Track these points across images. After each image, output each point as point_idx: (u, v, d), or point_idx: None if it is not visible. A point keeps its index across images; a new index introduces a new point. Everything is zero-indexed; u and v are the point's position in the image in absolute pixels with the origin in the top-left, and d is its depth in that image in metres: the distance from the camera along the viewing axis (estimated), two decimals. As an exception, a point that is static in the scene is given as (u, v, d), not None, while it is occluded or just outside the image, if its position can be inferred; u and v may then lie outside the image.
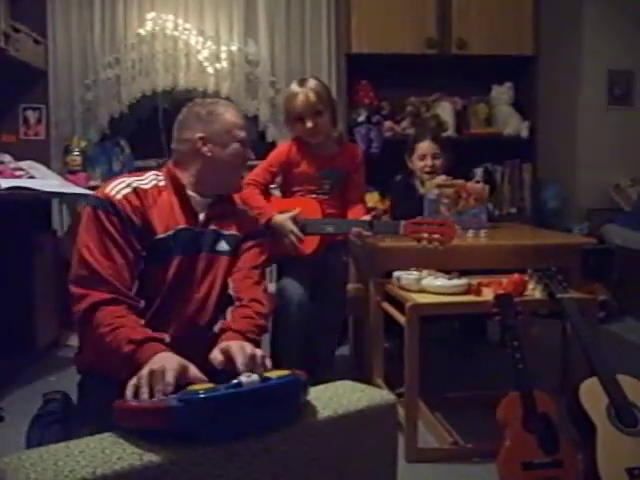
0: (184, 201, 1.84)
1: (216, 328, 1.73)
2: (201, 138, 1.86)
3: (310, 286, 2.75)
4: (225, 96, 4.39)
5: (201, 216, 1.86)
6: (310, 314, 2.71)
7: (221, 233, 1.88)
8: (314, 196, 2.89)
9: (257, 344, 1.68)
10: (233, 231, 1.91)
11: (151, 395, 1.34)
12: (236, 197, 2.01)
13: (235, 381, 1.25)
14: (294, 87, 2.88)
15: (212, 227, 1.87)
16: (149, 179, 1.84)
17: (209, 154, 1.86)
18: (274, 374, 1.31)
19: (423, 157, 3.37)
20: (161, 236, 1.76)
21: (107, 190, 1.74)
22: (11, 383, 3.13)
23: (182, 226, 1.80)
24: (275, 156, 2.98)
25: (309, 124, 2.83)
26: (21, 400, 2.91)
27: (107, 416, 1.40)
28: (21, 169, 3.59)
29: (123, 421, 1.26)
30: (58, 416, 1.74)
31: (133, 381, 1.38)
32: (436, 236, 2.49)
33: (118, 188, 1.75)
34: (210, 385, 1.28)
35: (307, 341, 2.76)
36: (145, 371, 1.39)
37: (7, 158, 3.70)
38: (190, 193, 1.86)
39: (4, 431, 2.62)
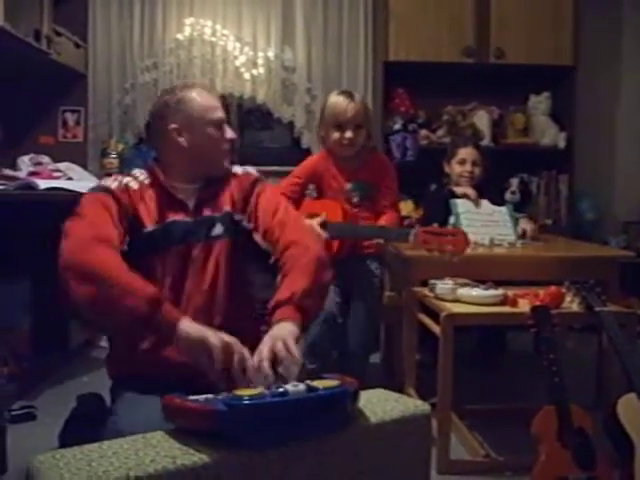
0: (168, 195, 1.82)
1: (270, 305, 1.66)
2: (175, 129, 1.81)
3: (339, 295, 2.74)
4: (261, 102, 4.42)
5: (190, 204, 1.82)
6: (342, 325, 2.72)
7: (214, 217, 1.83)
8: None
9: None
10: (226, 208, 1.85)
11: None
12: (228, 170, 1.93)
13: (281, 389, 1.27)
14: (340, 97, 2.94)
15: (206, 213, 1.83)
16: (136, 178, 1.85)
17: (185, 144, 1.82)
18: (322, 383, 1.31)
19: (463, 162, 3.33)
20: (151, 229, 1.76)
21: (103, 183, 1.81)
22: (44, 382, 3.16)
23: (171, 219, 1.79)
24: (302, 168, 3.07)
25: (348, 134, 2.87)
26: (53, 400, 2.94)
27: (140, 421, 1.40)
28: (59, 170, 3.64)
29: (171, 417, 1.30)
30: (92, 418, 1.74)
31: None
32: (448, 247, 2.43)
33: (112, 183, 1.79)
34: (257, 391, 1.28)
35: (340, 348, 2.75)
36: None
37: (46, 159, 3.75)
38: (175, 184, 1.83)
39: (36, 430, 2.64)
